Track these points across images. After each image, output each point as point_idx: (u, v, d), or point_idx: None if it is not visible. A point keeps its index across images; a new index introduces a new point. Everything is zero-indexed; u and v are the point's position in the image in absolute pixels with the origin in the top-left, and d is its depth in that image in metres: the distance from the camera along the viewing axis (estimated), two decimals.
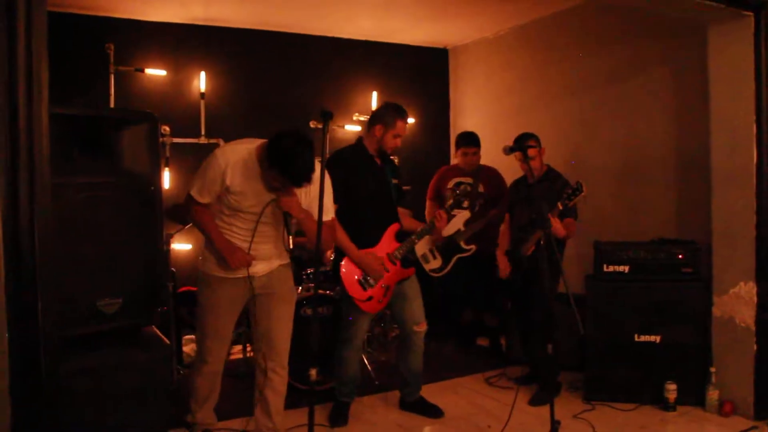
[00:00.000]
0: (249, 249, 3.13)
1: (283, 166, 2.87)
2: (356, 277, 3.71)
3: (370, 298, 3.73)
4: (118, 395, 2.39)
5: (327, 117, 2.66)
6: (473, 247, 4.70)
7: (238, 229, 3.16)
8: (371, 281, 3.72)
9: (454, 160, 5.41)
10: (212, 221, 3.16)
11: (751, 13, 3.80)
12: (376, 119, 3.79)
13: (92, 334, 2.40)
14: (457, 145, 5.27)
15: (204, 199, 3.09)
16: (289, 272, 3.42)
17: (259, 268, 3.25)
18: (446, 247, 5.06)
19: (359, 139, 3.89)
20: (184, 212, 3.25)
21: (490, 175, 5.24)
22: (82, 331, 2.37)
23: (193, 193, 3.10)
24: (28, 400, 1.98)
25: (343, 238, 3.64)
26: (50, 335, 2.04)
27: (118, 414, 2.39)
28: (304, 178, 2.90)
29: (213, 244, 3.16)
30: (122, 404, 2.40)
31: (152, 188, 2.58)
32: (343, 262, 3.71)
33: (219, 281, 3.20)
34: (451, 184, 5.21)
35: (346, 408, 3.95)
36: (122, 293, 2.46)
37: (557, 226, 3.99)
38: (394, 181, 3.95)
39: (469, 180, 5.16)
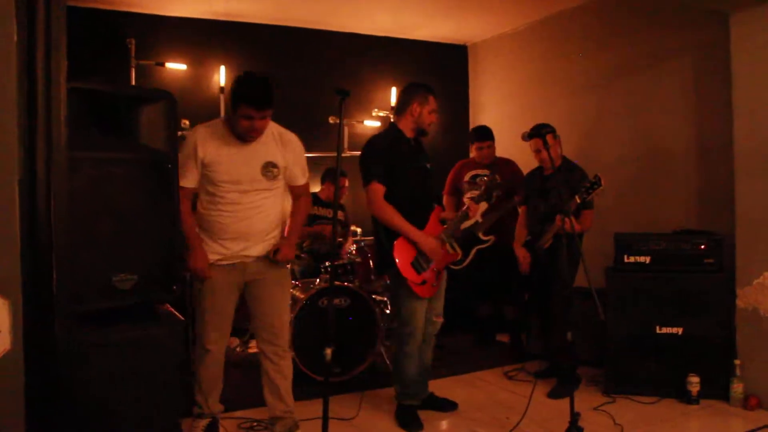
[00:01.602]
0: (230, 223, 3.18)
1: (242, 93, 3.01)
2: (410, 260, 3.60)
3: (424, 282, 3.63)
4: (132, 370, 2.37)
5: (344, 95, 2.64)
6: (492, 238, 4.63)
7: (224, 206, 3.18)
8: (424, 264, 3.62)
9: (471, 155, 5.39)
10: (192, 220, 3.21)
11: None
12: (409, 100, 3.71)
13: (106, 310, 2.39)
14: (471, 140, 5.27)
15: (185, 182, 3.11)
16: None
17: (253, 251, 3.27)
18: (465, 239, 5.01)
19: (392, 125, 3.80)
20: None
21: (507, 166, 5.19)
22: (96, 306, 2.36)
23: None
24: (42, 369, 1.99)
25: (400, 220, 3.55)
26: (64, 307, 2.05)
27: (131, 389, 2.38)
28: (264, 98, 3.03)
29: (186, 239, 3.18)
30: (136, 379, 2.39)
31: (169, 166, 2.58)
32: (395, 246, 3.58)
33: (213, 268, 3.22)
34: (467, 178, 5.19)
35: (415, 410, 3.77)
36: (137, 270, 2.45)
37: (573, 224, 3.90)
38: (428, 165, 3.89)
39: (485, 172, 5.13)
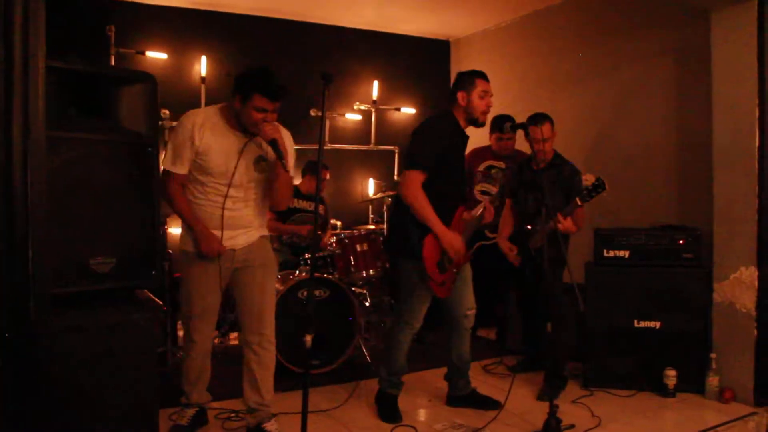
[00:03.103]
0: (223, 215, 3.12)
1: (258, 84, 2.98)
2: (436, 260, 3.49)
3: (443, 283, 3.55)
4: (109, 355, 2.34)
5: (328, 79, 2.62)
6: (496, 236, 4.57)
7: (213, 196, 3.14)
8: (447, 265, 3.52)
9: (489, 142, 5.16)
10: (188, 203, 3.16)
11: None
12: (454, 91, 3.56)
13: (84, 293, 2.36)
14: (492, 129, 4.99)
15: (178, 169, 3.08)
16: (268, 244, 3.40)
17: (241, 240, 3.23)
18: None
19: (449, 112, 3.59)
20: (161, 191, 3.21)
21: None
22: (73, 288, 2.32)
23: (167, 165, 3.09)
24: (17, 351, 1.94)
25: (431, 212, 3.41)
26: (41, 288, 2.01)
27: (108, 373, 2.34)
28: (279, 90, 3.01)
29: (190, 228, 3.15)
30: (113, 364, 2.35)
31: (150, 149, 2.54)
32: (425, 244, 3.45)
33: (200, 258, 3.17)
34: (482, 167, 5.06)
35: (396, 401, 3.74)
36: (115, 253, 2.42)
37: (568, 225, 3.86)
38: None
39: (501, 164, 5.04)
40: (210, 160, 3.07)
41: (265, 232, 3.38)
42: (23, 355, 1.95)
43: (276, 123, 3.13)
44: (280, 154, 3.01)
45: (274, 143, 3.01)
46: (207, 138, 3.05)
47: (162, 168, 3.10)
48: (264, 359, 3.29)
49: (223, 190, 3.11)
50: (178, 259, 3.33)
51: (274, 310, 3.36)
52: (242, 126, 3.09)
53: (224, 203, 3.11)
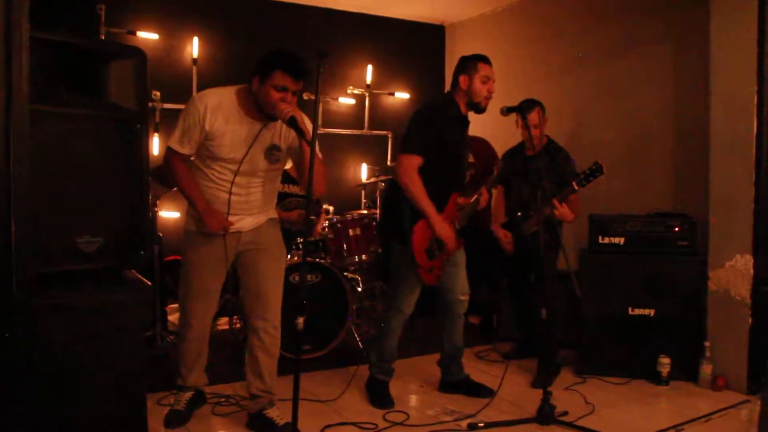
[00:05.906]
0: (229, 201, 3.04)
1: (280, 60, 2.85)
2: (425, 246, 3.47)
3: (432, 269, 3.52)
4: (95, 335, 2.28)
5: (323, 56, 2.56)
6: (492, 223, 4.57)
7: (220, 180, 3.06)
8: (437, 252, 3.50)
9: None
10: (193, 181, 3.08)
11: None
12: (456, 74, 3.52)
13: (70, 272, 2.30)
14: None
15: (185, 149, 3.00)
16: (277, 227, 3.31)
17: (246, 223, 3.15)
18: None
19: (450, 95, 3.57)
20: (165, 170, 3.15)
21: (479, 144, 5.09)
22: (59, 267, 2.26)
23: (173, 144, 3.01)
24: (0, 333, 1.89)
25: (425, 200, 3.39)
26: (25, 266, 1.95)
27: (93, 354, 2.28)
28: (303, 68, 2.87)
29: (193, 206, 3.08)
30: (99, 345, 2.29)
31: (139, 126, 2.47)
32: (414, 230, 3.44)
33: (204, 239, 3.10)
34: None
35: (387, 387, 3.72)
36: (103, 232, 2.35)
37: (565, 211, 3.88)
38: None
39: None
40: (220, 146, 2.97)
41: (274, 215, 3.30)
42: (6, 335, 1.90)
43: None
44: (301, 132, 2.80)
45: (293, 122, 2.80)
46: (219, 123, 2.94)
47: (167, 145, 3.05)
48: (269, 347, 3.21)
49: (231, 176, 3.02)
50: (180, 241, 3.25)
51: (281, 296, 3.26)
52: (258, 112, 2.96)
53: (231, 189, 3.03)
